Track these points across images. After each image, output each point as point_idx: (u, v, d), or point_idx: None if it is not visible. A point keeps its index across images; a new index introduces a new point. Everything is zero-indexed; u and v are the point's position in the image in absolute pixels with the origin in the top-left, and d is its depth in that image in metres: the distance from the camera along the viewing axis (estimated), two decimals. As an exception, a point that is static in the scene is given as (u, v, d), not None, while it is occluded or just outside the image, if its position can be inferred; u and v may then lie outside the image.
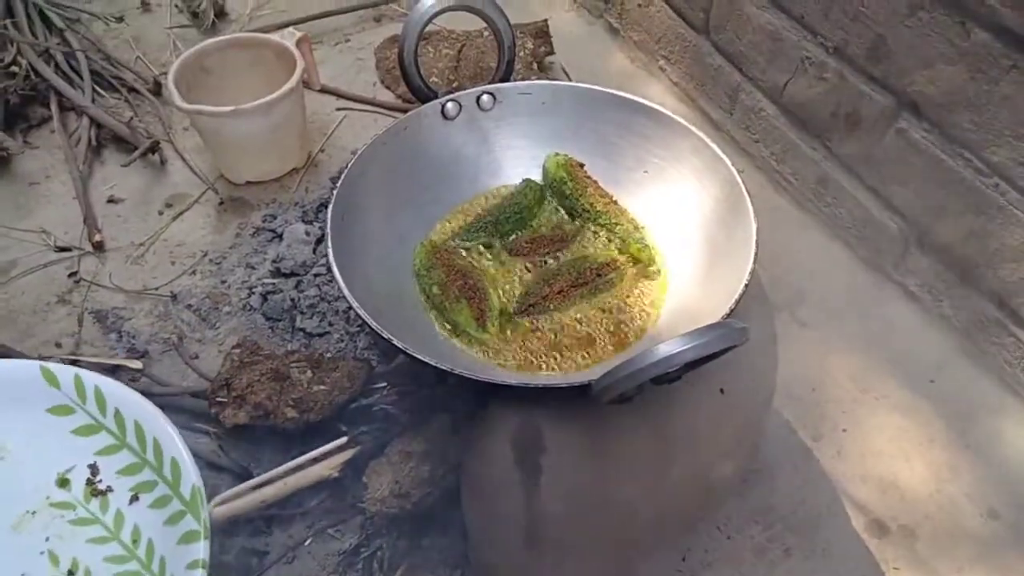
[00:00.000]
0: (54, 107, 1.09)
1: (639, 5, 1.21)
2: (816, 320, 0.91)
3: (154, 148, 1.05)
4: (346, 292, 0.59)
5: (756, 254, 0.61)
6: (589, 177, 0.77)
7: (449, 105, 0.76)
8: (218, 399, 0.72)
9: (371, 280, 0.66)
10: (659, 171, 0.75)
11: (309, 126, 1.07)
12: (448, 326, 0.69)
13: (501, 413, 0.59)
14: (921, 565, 0.72)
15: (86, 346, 0.85)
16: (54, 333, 0.86)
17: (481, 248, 0.75)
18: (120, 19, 1.30)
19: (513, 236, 0.76)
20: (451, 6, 0.74)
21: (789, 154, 1.02)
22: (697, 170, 0.71)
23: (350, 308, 0.59)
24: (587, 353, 0.67)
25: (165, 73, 1.02)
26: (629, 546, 0.68)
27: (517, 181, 0.79)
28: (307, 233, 0.93)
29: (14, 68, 1.10)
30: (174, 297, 0.90)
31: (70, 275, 0.93)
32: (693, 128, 0.71)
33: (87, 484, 0.61)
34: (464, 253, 0.74)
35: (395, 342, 0.56)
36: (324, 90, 1.16)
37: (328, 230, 0.63)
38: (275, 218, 0.98)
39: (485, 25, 0.79)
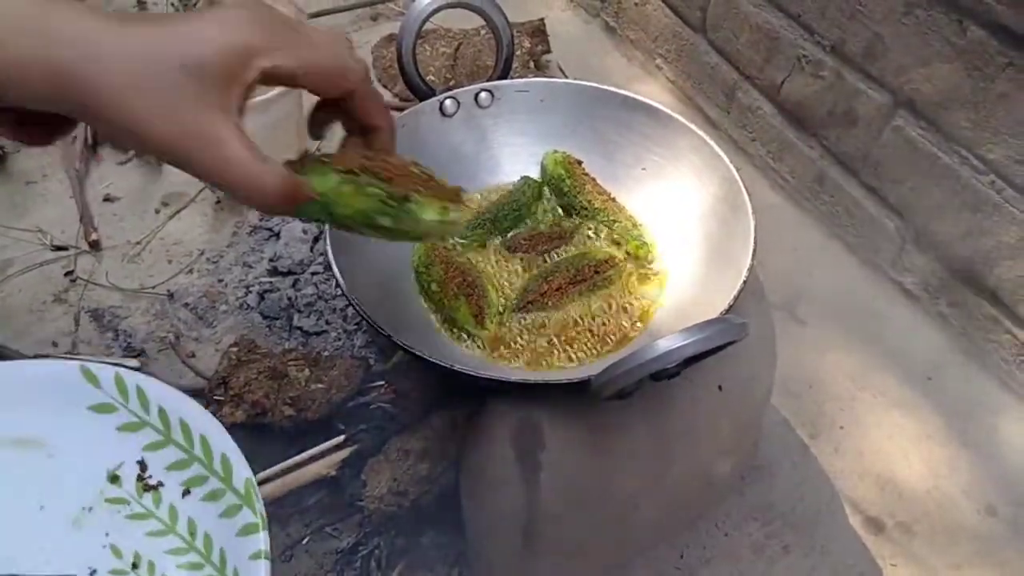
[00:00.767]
0: (50, 105, 1.09)
1: (636, 3, 1.21)
2: (814, 318, 0.91)
3: (151, 147, 1.05)
4: (345, 289, 0.59)
5: (755, 251, 0.61)
6: (587, 174, 0.77)
7: (447, 102, 0.76)
8: (215, 397, 0.72)
9: (369, 277, 0.66)
10: (657, 168, 0.75)
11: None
12: (447, 323, 0.69)
13: (500, 410, 0.59)
14: (919, 562, 0.72)
15: (83, 345, 0.85)
16: (50, 332, 0.86)
17: (480, 245, 0.75)
18: (116, 18, 1.29)
19: (511, 233, 0.76)
20: (448, 3, 0.74)
21: (786, 152, 1.02)
22: (696, 167, 0.71)
23: (348, 306, 0.59)
24: (586, 349, 0.67)
25: (162, 71, 1.02)
26: (628, 543, 0.68)
27: (515, 178, 0.79)
28: (304, 231, 0.93)
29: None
30: (171, 296, 0.90)
31: (66, 274, 0.92)
32: (692, 126, 0.71)
33: (138, 480, 0.61)
34: (462, 250, 0.74)
35: (395, 338, 0.56)
36: (322, 89, 1.16)
37: (326, 228, 0.63)
38: (272, 216, 0.97)
39: (482, 24, 0.79)
